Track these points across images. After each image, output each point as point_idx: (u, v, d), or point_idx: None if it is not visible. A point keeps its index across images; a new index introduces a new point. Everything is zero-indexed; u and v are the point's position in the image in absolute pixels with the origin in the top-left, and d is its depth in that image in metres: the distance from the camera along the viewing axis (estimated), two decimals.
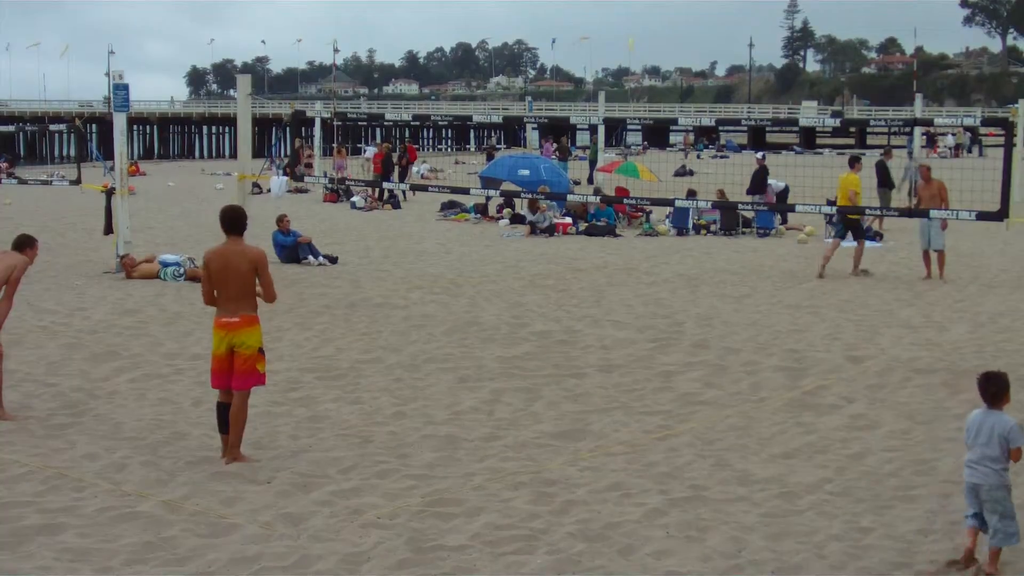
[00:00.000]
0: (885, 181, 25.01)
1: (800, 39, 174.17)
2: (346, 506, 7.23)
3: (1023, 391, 10.34)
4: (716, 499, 7.39)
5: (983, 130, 58.22)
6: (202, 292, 8.29)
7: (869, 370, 11.22)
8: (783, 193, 26.19)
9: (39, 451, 8.39)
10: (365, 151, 39.35)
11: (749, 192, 25.99)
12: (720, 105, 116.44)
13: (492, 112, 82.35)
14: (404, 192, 31.58)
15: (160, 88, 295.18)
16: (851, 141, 77.41)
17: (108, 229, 19.00)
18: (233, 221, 8.11)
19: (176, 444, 8.62)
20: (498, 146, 66.23)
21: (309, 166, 34.16)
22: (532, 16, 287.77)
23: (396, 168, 35.82)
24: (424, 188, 22.69)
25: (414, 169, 40.58)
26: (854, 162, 18.79)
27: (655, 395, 10.27)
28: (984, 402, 6.27)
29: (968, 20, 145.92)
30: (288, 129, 49.10)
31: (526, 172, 28.04)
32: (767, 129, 75.25)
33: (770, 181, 26.16)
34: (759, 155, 29.71)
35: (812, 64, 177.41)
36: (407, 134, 61.96)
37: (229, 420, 8.06)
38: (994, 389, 6.23)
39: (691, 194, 25.52)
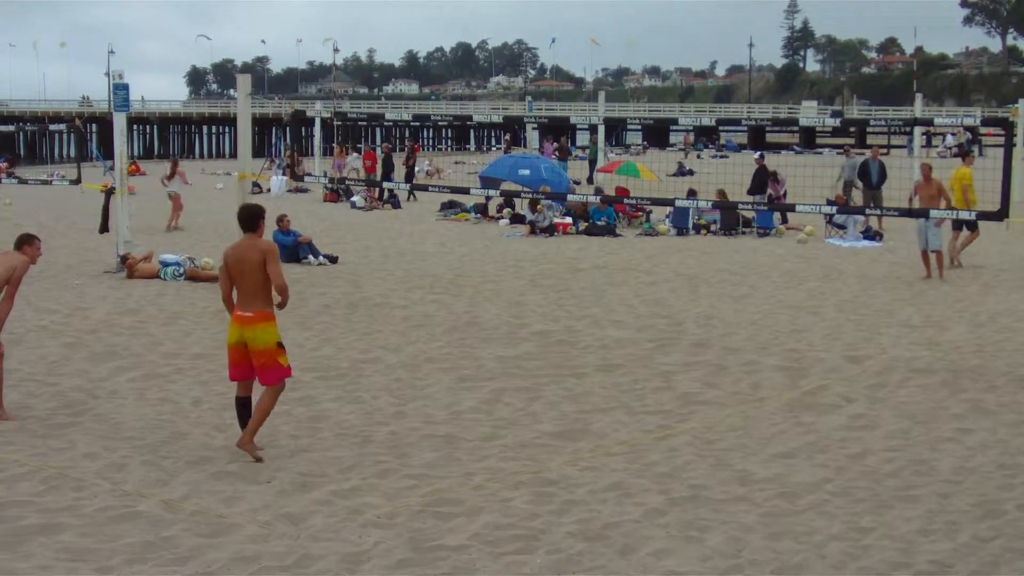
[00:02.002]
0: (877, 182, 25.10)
1: (800, 39, 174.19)
2: (346, 506, 7.23)
3: (1022, 391, 10.37)
4: (716, 499, 7.39)
5: (981, 130, 58.22)
6: (221, 289, 8.44)
7: (869, 370, 11.22)
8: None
9: (39, 451, 8.39)
10: (343, 163, 38.38)
11: (750, 192, 26.05)
12: (720, 105, 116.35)
13: (492, 112, 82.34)
14: (412, 194, 31.56)
15: (159, 88, 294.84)
16: (851, 141, 77.44)
17: (103, 228, 19.01)
18: (247, 219, 8.28)
19: (176, 444, 8.62)
20: (499, 146, 66.21)
21: (291, 166, 33.86)
22: (532, 16, 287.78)
23: (404, 168, 35.74)
24: (424, 188, 22.65)
25: (417, 168, 40.48)
26: (965, 155, 18.65)
27: (655, 395, 10.26)
28: None
29: (968, 20, 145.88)
30: (288, 129, 49.07)
31: (526, 172, 28.05)
32: (767, 129, 75.18)
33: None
34: (757, 155, 29.78)
35: (812, 64, 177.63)
36: (407, 134, 61.94)
37: (254, 409, 8.23)
38: None
39: (691, 194, 25.53)
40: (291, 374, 8.40)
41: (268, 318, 8.09)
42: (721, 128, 65.35)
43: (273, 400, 8.22)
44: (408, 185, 28.18)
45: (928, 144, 54.83)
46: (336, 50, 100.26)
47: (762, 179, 26.45)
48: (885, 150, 29.81)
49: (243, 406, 8.36)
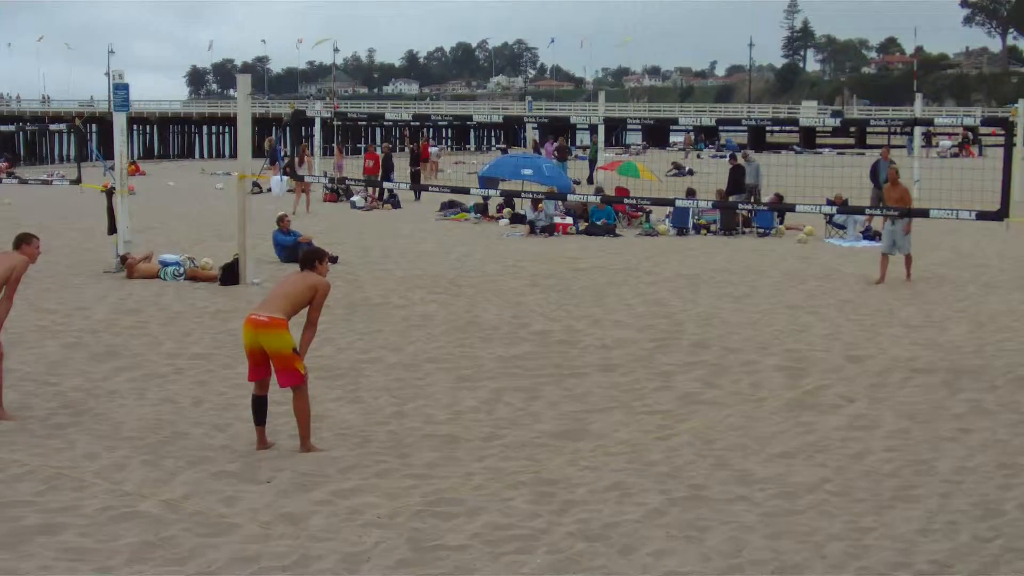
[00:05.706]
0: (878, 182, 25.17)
1: (800, 39, 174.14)
2: (346, 506, 7.23)
3: (1022, 391, 10.37)
4: (716, 499, 7.39)
5: (982, 129, 58.26)
6: None
7: (869, 370, 11.22)
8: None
9: (39, 451, 8.39)
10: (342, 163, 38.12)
11: (727, 193, 26.13)
12: (720, 105, 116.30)
13: (492, 112, 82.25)
14: (418, 193, 31.63)
15: (160, 88, 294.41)
16: (851, 141, 77.46)
17: (112, 229, 18.99)
18: (303, 260, 8.87)
19: (176, 444, 8.63)
20: (499, 146, 66.13)
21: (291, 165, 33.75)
22: (532, 16, 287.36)
23: (409, 169, 35.68)
24: (425, 188, 22.72)
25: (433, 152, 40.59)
26: None
27: (655, 395, 10.27)
28: None
29: (968, 20, 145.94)
30: (288, 129, 49.07)
31: (528, 171, 28.05)
32: (767, 129, 75.17)
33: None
34: (730, 155, 30.04)
35: (812, 64, 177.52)
36: (407, 133, 61.83)
37: (295, 416, 8.43)
38: None
39: (691, 194, 25.54)
40: (305, 380, 8.45)
41: (280, 325, 8.20)
42: (721, 128, 65.28)
43: (303, 401, 8.38)
44: (407, 185, 28.18)
45: (928, 144, 54.84)
46: (336, 50, 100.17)
47: (739, 178, 26.60)
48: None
49: (259, 404, 8.48)
